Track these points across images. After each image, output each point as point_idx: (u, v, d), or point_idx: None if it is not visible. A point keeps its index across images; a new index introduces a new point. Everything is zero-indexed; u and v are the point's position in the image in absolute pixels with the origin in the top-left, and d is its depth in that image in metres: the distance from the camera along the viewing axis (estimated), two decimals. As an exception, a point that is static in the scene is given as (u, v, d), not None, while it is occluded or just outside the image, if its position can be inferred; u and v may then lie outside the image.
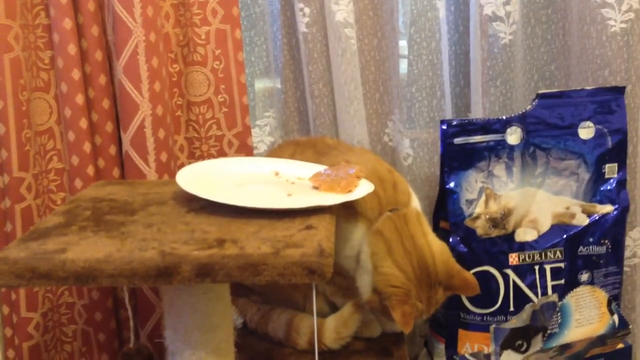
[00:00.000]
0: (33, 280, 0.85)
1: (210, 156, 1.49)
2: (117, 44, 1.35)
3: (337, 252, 1.01)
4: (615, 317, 1.46)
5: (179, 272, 0.85)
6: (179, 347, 0.99)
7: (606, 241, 1.45)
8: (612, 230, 1.45)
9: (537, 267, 1.42)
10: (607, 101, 1.44)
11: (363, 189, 1.11)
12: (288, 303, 1.31)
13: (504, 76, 1.56)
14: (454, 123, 1.39)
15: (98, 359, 1.47)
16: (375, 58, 1.60)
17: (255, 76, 1.63)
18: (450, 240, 1.39)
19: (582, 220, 1.44)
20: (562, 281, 1.43)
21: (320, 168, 1.19)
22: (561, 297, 1.42)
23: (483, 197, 1.41)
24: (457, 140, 1.39)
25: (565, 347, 1.43)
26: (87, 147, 1.38)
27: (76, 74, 1.35)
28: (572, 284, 1.43)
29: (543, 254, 1.42)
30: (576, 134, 1.44)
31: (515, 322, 1.40)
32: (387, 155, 1.64)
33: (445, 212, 1.41)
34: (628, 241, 1.56)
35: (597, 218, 1.44)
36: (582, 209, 1.44)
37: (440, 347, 1.45)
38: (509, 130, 1.41)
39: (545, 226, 1.43)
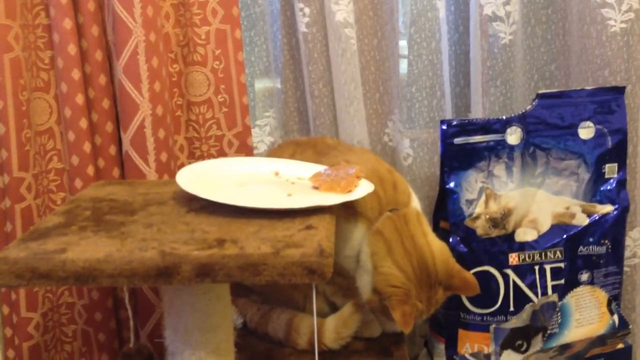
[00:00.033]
0: (33, 280, 0.85)
1: (210, 156, 1.49)
2: (117, 44, 1.35)
3: (337, 252, 1.01)
4: (615, 317, 1.46)
5: (179, 272, 0.85)
6: (179, 347, 0.99)
7: (606, 241, 1.45)
8: (612, 230, 1.45)
9: (537, 267, 1.42)
10: (607, 101, 1.44)
11: (363, 189, 1.11)
12: (288, 303, 1.31)
13: (504, 76, 1.56)
14: (454, 123, 1.39)
15: (98, 359, 1.47)
16: (375, 58, 1.60)
17: (255, 76, 1.63)
18: (450, 240, 1.39)
19: (582, 220, 1.44)
20: (562, 281, 1.43)
21: (320, 168, 1.19)
22: (561, 297, 1.42)
23: (483, 197, 1.41)
24: (457, 140, 1.39)
25: (565, 347, 1.43)
26: (87, 147, 1.38)
27: (76, 74, 1.35)
28: (572, 284, 1.43)
29: (543, 254, 1.42)
30: (576, 134, 1.44)
31: (515, 322, 1.40)
32: (387, 155, 1.64)
33: (445, 212, 1.41)
34: (628, 241, 1.56)
35: (597, 218, 1.44)
36: (582, 209, 1.44)
37: (440, 347, 1.45)
38: (509, 130, 1.41)
39: (545, 226, 1.43)
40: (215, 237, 0.91)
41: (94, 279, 0.85)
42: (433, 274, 1.16)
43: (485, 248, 1.40)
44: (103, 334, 1.45)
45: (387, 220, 1.19)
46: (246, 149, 1.51)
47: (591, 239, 1.44)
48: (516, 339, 1.40)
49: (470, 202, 1.40)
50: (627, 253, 1.55)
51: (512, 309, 1.40)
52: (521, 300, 1.40)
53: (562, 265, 1.43)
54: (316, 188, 1.12)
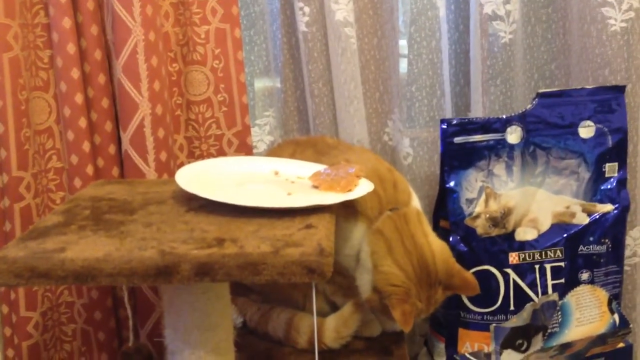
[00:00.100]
0: (32, 279, 0.85)
1: (209, 155, 1.49)
2: (116, 43, 1.35)
3: (337, 251, 1.01)
4: (616, 316, 1.46)
5: (178, 271, 0.85)
6: (178, 346, 0.99)
7: (606, 240, 1.45)
8: (612, 230, 1.45)
9: (537, 266, 1.42)
10: (607, 100, 1.44)
11: (363, 188, 1.11)
12: (288, 302, 1.30)
13: (504, 75, 1.56)
14: (454, 122, 1.39)
15: (98, 358, 1.46)
16: (375, 57, 1.60)
17: (255, 75, 1.63)
18: (450, 239, 1.39)
19: (583, 220, 1.44)
20: (563, 280, 1.43)
21: (320, 167, 1.19)
22: (561, 296, 1.42)
23: (483, 196, 1.40)
24: (457, 140, 1.39)
25: (565, 346, 1.43)
26: (86, 146, 1.38)
27: (75, 73, 1.35)
28: (573, 283, 1.43)
29: (543, 253, 1.42)
30: (576, 133, 1.43)
31: (515, 321, 1.39)
32: (387, 154, 1.64)
33: (445, 211, 1.41)
34: (628, 240, 1.56)
35: (597, 217, 1.44)
36: (582, 208, 1.44)
37: (441, 346, 1.45)
38: (509, 129, 1.41)
39: (545, 225, 1.43)
40: (215, 236, 0.91)
41: (93, 278, 0.85)
42: (433, 273, 1.16)
43: (485, 247, 1.40)
44: (102, 333, 1.45)
45: (388, 220, 1.19)
46: (246, 148, 1.51)
47: (591, 238, 1.44)
48: (516, 338, 1.40)
49: (470, 201, 1.40)
50: (627, 252, 1.55)
51: (512, 308, 1.40)
52: (521, 299, 1.40)
53: (562, 264, 1.43)
54: (316, 187, 1.12)
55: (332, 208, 1.03)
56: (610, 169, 1.45)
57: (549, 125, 1.43)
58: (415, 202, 1.27)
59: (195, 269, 0.85)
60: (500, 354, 1.40)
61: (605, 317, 1.45)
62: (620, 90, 1.46)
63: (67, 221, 0.99)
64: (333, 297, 1.29)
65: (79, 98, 1.36)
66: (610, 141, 1.44)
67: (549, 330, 1.42)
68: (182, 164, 1.47)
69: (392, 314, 1.12)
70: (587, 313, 1.44)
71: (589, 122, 1.44)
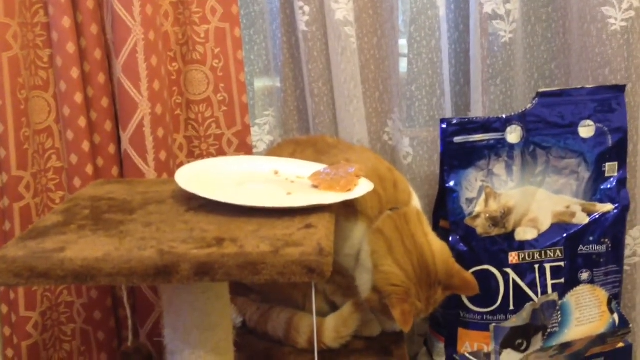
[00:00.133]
0: (32, 279, 0.85)
1: (209, 155, 1.49)
2: (116, 43, 1.35)
3: (337, 250, 1.01)
4: (616, 316, 1.46)
5: (177, 271, 0.85)
6: (178, 346, 0.99)
7: (606, 240, 1.44)
8: (612, 229, 1.44)
9: (537, 266, 1.42)
10: (607, 100, 1.44)
11: (363, 187, 1.11)
12: (287, 302, 1.30)
13: (504, 75, 1.56)
14: (454, 122, 1.39)
15: (97, 358, 1.46)
16: (375, 56, 1.60)
17: (255, 75, 1.63)
18: (450, 239, 1.39)
19: (582, 219, 1.44)
20: (562, 280, 1.42)
21: (320, 167, 1.19)
22: (561, 296, 1.42)
23: (483, 196, 1.40)
24: (457, 139, 1.39)
25: (565, 346, 1.43)
26: (86, 145, 1.38)
27: (75, 73, 1.35)
28: (572, 282, 1.43)
29: (543, 252, 1.42)
30: (576, 133, 1.43)
31: (515, 321, 1.39)
32: (387, 154, 1.64)
33: (445, 211, 1.41)
34: (628, 240, 1.56)
35: (597, 217, 1.44)
36: (582, 207, 1.44)
37: (440, 346, 1.45)
38: (509, 128, 1.41)
39: (545, 225, 1.43)
40: (215, 236, 0.91)
41: (92, 277, 0.85)
42: (433, 273, 1.16)
43: (485, 247, 1.40)
44: (102, 333, 1.45)
45: (388, 219, 1.19)
46: (245, 148, 1.50)
47: (591, 238, 1.43)
48: (516, 338, 1.40)
49: (470, 201, 1.40)
50: (627, 252, 1.55)
51: (512, 307, 1.40)
52: (521, 299, 1.40)
53: (562, 264, 1.43)
54: (316, 187, 1.12)
55: (332, 208, 1.03)
56: (610, 168, 1.45)
57: (549, 125, 1.42)
58: (416, 202, 1.27)
59: (195, 269, 0.85)
60: (500, 353, 1.40)
61: (605, 316, 1.45)
62: (620, 89, 1.46)
63: (67, 221, 0.99)
64: (333, 297, 1.29)
65: (78, 97, 1.36)
66: (610, 141, 1.44)
67: (549, 330, 1.42)
68: (181, 164, 1.46)
69: (392, 313, 1.12)
70: (586, 313, 1.44)
71: (589, 122, 1.43)
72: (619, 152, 1.45)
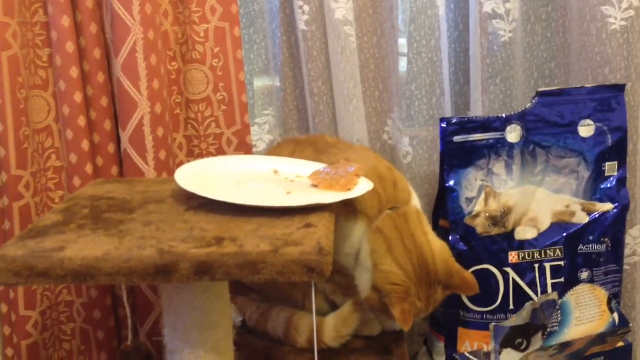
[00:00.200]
0: (31, 278, 0.85)
1: (209, 154, 1.49)
2: (115, 42, 1.34)
3: (337, 250, 1.01)
4: (616, 315, 1.46)
5: (177, 270, 0.85)
6: (178, 345, 0.99)
7: (606, 239, 1.44)
8: (612, 229, 1.44)
9: (537, 266, 1.42)
10: (607, 99, 1.44)
11: (362, 187, 1.11)
12: (287, 301, 1.30)
13: (503, 74, 1.56)
14: (454, 121, 1.39)
15: (97, 357, 1.46)
16: (374, 56, 1.60)
17: (255, 74, 1.63)
18: (450, 238, 1.39)
19: (582, 219, 1.44)
20: (562, 279, 1.42)
21: (319, 166, 1.19)
22: (561, 295, 1.42)
23: (483, 195, 1.40)
24: (457, 139, 1.39)
25: (565, 345, 1.43)
26: (85, 145, 1.37)
27: (74, 72, 1.34)
28: (572, 282, 1.43)
29: (543, 252, 1.42)
30: (576, 132, 1.43)
31: (515, 320, 1.39)
32: (387, 153, 1.64)
33: (445, 211, 1.41)
34: (628, 239, 1.56)
35: (597, 216, 1.44)
36: (582, 207, 1.44)
37: (440, 346, 1.45)
38: (508, 128, 1.41)
39: (545, 224, 1.43)
40: (214, 235, 0.91)
41: (92, 277, 0.85)
42: (433, 272, 1.16)
43: (485, 246, 1.39)
44: (102, 332, 1.45)
45: (388, 219, 1.19)
46: (245, 147, 1.50)
47: (591, 237, 1.43)
48: (516, 338, 1.40)
49: (470, 201, 1.40)
50: (627, 251, 1.55)
51: (512, 307, 1.40)
52: (521, 298, 1.40)
53: (562, 263, 1.43)
54: (315, 186, 1.12)
55: (331, 207, 1.03)
56: (610, 167, 1.45)
57: (548, 124, 1.42)
58: (415, 201, 1.27)
59: (195, 268, 0.85)
60: (500, 353, 1.39)
61: (604, 316, 1.45)
62: (620, 89, 1.46)
63: (66, 220, 0.99)
64: (333, 296, 1.29)
65: (78, 97, 1.35)
66: (610, 140, 1.44)
67: (549, 330, 1.42)
68: (181, 163, 1.46)
69: (392, 312, 1.12)
70: (586, 312, 1.44)
71: (588, 121, 1.43)
72: (619, 152, 1.45)
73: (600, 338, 1.45)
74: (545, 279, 1.42)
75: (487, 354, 1.40)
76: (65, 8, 1.32)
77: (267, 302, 1.33)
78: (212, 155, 1.49)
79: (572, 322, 1.43)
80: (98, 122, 1.40)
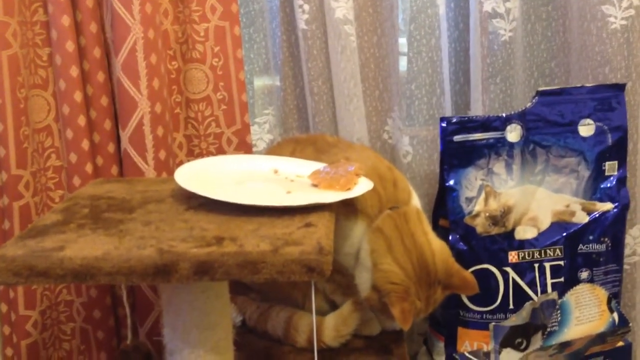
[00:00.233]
0: (31, 278, 0.85)
1: (209, 154, 1.49)
2: (115, 41, 1.34)
3: (337, 249, 1.01)
4: (615, 315, 1.46)
5: (177, 270, 0.85)
6: (177, 345, 0.99)
7: (606, 239, 1.44)
8: (612, 228, 1.44)
9: (536, 265, 1.42)
10: (607, 98, 1.44)
11: (362, 186, 1.11)
12: (287, 301, 1.30)
13: (503, 73, 1.56)
14: (454, 120, 1.39)
15: (97, 356, 1.46)
16: (374, 55, 1.60)
17: (255, 73, 1.63)
18: (450, 238, 1.39)
19: (582, 218, 1.44)
20: (562, 279, 1.42)
21: (319, 166, 1.19)
22: (561, 295, 1.42)
23: (483, 195, 1.40)
24: (457, 138, 1.39)
25: (565, 345, 1.43)
26: (85, 144, 1.37)
27: (74, 71, 1.34)
28: (572, 281, 1.43)
29: (543, 251, 1.42)
30: (576, 132, 1.43)
31: (514, 320, 1.39)
32: (387, 152, 1.64)
33: (445, 210, 1.41)
34: (628, 239, 1.56)
35: (597, 216, 1.44)
36: (582, 206, 1.44)
37: (440, 345, 1.45)
38: (508, 127, 1.41)
39: (545, 224, 1.43)
40: (214, 234, 0.91)
41: (92, 276, 0.85)
42: (432, 272, 1.16)
43: (484, 246, 1.39)
44: (101, 332, 1.45)
45: (387, 218, 1.19)
46: (245, 147, 1.50)
47: (591, 237, 1.43)
48: (516, 337, 1.40)
49: (469, 200, 1.40)
50: (627, 251, 1.55)
51: (511, 307, 1.40)
52: (521, 298, 1.40)
53: (561, 263, 1.42)
54: (315, 186, 1.12)
55: (331, 206, 1.03)
56: (610, 167, 1.45)
57: (548, 124, 1.42)
58: (415, 201, 1.27)
59: (195, 268, 0.85)
60: (500, 352, 1.39)
61: (604, 315, 1.45)
62: (620, 88, 1.46)
63: (66, 220, 0.99)
64: (332, 296, 1.29)
65: (78, 96, 1.35)
66: (610, 139, 1.44)
67: (549, 329, 1.41)
68: (181, 163, 1.46)
69: (392, 312, 1.12)
70: (586, 312, 1.44)
71: (588, 120, 1.43)
72: (619, 151, 1.45)
73: (600, 338, 1.45)
74: (545, 279, 1.42)
75: (487, 354, 1.40)
76: (65, 7, 1.32)
77: (267, 301, 1.33)
78: (212, 154, 1.49)
79: (572, 321, 1.43)
80: (98, 121, 1.39)
